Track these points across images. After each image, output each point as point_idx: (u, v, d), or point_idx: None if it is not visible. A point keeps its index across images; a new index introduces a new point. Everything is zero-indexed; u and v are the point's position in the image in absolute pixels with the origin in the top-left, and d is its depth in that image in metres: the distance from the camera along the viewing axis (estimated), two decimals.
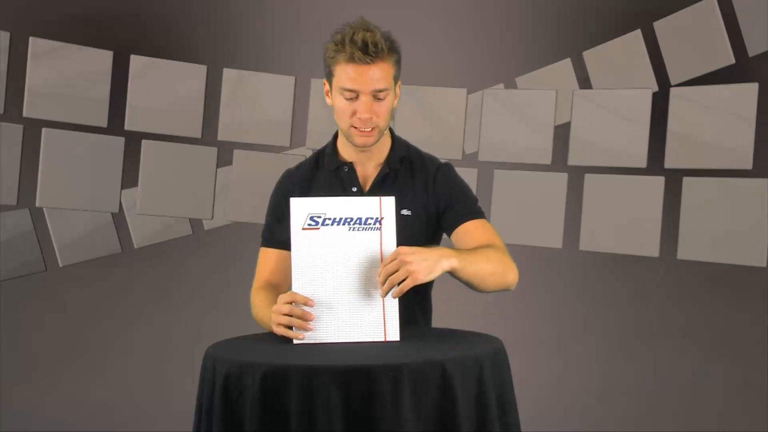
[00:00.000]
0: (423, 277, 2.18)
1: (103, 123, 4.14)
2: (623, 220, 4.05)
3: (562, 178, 4.09)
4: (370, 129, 2.46)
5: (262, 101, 4.17)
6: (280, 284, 2.51)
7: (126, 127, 4.16)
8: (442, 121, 4.12)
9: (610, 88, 4.07)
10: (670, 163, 4.01)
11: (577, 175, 4.08)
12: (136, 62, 4.14)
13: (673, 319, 4.06)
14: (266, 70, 4.15)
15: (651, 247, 4.01)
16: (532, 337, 4.02)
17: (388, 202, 2.26)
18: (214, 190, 4.16)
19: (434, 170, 2.58)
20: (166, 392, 4.04)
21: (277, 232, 2.56)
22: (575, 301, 4.13)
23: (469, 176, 4.01)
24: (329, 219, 2.25)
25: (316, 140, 4.11)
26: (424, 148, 2.65)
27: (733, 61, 3.96)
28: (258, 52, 4.18)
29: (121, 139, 4.15)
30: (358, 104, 2.43)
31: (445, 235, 2.60)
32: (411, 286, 2.18)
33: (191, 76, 4.16)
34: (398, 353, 2.11)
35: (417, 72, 4.00)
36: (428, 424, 1.98)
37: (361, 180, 2.56)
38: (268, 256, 2.58)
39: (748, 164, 3.93)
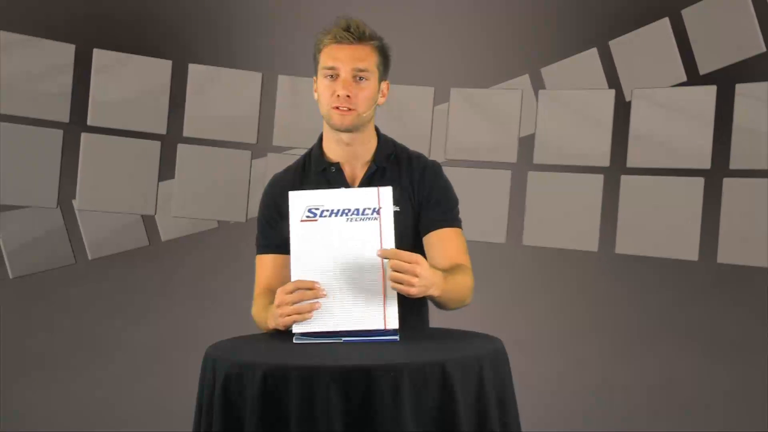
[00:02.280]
0: (415, 294, 2.23)
1: (65, 118, 4.11)
2: (659, 222, 4.06)
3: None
4: (347, 108, 2.47)
5: (228, 97, 4.17)
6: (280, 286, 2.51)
7: (89, 122, 4.12)
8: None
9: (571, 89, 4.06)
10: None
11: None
12: (101, 57, 4.12)
13: (673, 319, 4.06)
14: (233, 66, 4.15)
15: (690, 250, 3.99)
16: (532, 337, 4.02)
17: (386, 192, 2.27)
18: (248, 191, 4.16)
19: (421, 168, 2.58)
20: (166, 392, 4.04)
21: (270, 238, 2.57)
22: (575, 301, 4.13)
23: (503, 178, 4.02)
24: (327, 211, 2.27)
25: (283, 137, 4.11)
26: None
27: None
28: (224, 48, 4.16)
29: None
30: (338, 84, 2.47)
31: None
32: (404, 293, 2.22)
33: (156, 71, 4.13)
34: (398, 353, 2.11)
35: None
36: (428, 424, 1.99)
37: (348, 179, 2.56)
38: (264, 263, 2.58)
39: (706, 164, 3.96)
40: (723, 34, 3.95)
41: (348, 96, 2.46)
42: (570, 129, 4.08)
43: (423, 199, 2.54)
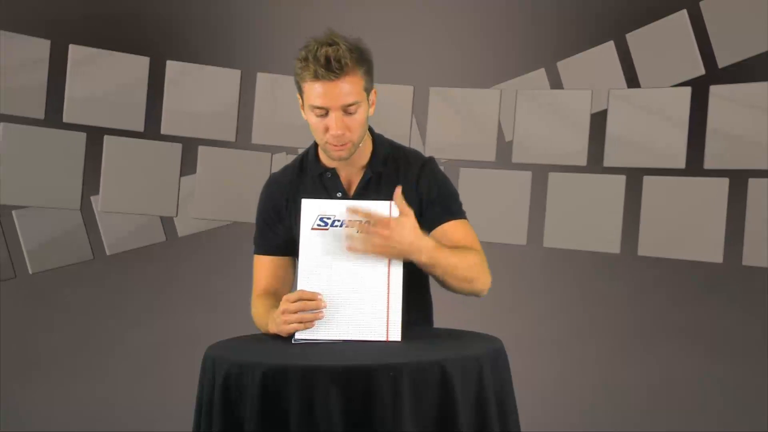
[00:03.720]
0: (388, 257, 2.25)
1: (41, 114, 4.08)
2: (681, 223, 4.05)
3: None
4: (343, 144, 2.43)
5: (207, 95, 4.15)
6: (279, 290, 2.52)
7: (64, 119, 4.09)
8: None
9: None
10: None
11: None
12: (76, 53, 4.07)
13: (673, 319, 4.06)
14: (211, 63, 4.13)
15: (715, 252, 3.95)
16: (532, 337, 4.02)
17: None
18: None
19: (418, 167, 2.55)
20: (166, 392, 4.04)
21: (268, 239, 2.57)
22: (575, 301, 4.13)
23: (510, 178, 4.02)
24: (338, 221, 2.26)
25: (262, 135, 4.10)
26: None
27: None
28: (203, 45, 4.14)
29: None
30: (329, 120, 2.39)
31: None
32: (380, 255, 2.24)
33: (134, 67, 4.11)
34: (398, 353, 2.11)
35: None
36: (428, 424, 1.99)
37: (345, 185, 2.54)
38: (262, 264, 2.58)
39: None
40: (742, 26, 3.91)
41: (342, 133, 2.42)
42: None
43: (424, 197, 2.52)
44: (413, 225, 2.26)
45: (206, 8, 4.16)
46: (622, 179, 4.02)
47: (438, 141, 4.06)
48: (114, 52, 4.11)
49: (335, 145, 2.42)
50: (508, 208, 4.10)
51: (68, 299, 4.17)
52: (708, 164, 3.96)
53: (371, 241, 2.23)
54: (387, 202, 2.27)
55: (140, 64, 4.13)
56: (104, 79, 4.12)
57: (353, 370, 1.98)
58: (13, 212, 4.11)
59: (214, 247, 4.19)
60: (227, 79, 4.14)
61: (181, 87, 4.15)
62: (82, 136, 4.12)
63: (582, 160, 4.05)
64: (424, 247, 2.28)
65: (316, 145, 2.58)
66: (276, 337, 2.30)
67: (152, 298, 4.19)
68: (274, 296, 2.45)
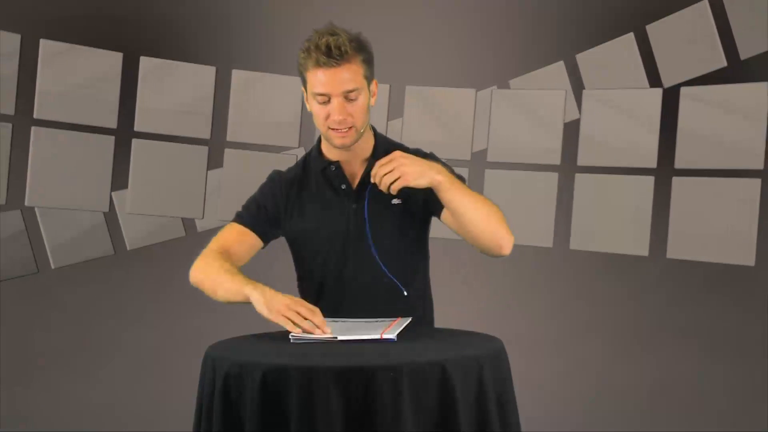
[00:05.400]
0: (413, 180, 2.33)
1: (11, 110, 4.05)
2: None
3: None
4: (346, 129, 2.48)
5: (181, 92, 4.13)
6: (236, 257, 2.56)
7: (35, 116, 4.06)
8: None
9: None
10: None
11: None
12: (48, 48, 4.04)
13: (673, 319, 4.06)
14: (187, 59, 4.12)
15: (747, 255, 3.94)
16: (532, 337, 4.02)
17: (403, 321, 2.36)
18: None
19: (421, 157, 2.58)
20: (166, 392, 4.04)
21: (253, 216, 2.61)
22: (575, 301, 4.13)
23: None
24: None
25: (237, 132, 4.09)
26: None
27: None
28: (177, 42, 4.12)
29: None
30: (331, 107, 2.46)
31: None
32: (402, 186, 2.32)
33: (107, 63, 4.08)
34: (398, 353, 2.11)
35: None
36: (428, 424, 1.99)
37: (348, 177, 2.58)
38: (234, 229, 2.62)
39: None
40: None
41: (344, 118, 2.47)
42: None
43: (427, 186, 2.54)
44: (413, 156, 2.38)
45: (181, 4, 4.14)
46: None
47: (414, 141, 4.07)
48: (86, 48, 4.07)
49: (337, 131, 2.48)
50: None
51: (68, 299, 4.17)
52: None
53: (400, 170, 2.31)
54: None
55: (113, 60, 4.10)
56: (76, 75, 4.09)
57: (353, 370, 1.98)
58: (36, 208, 4.12)
59: None
60: (202, 75, 4.12)
61: (155, 83, 4.13)
62: (110, 140, 4.11)
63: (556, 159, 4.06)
64: (436, 166, 2.36)
65: (319, 142, 2.62)
66: (276, 336, 2.30)
67: (152, 298, 4.19)
68: (230, 259, 2.51)
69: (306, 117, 4.04)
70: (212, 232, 2.46)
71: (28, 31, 4.06)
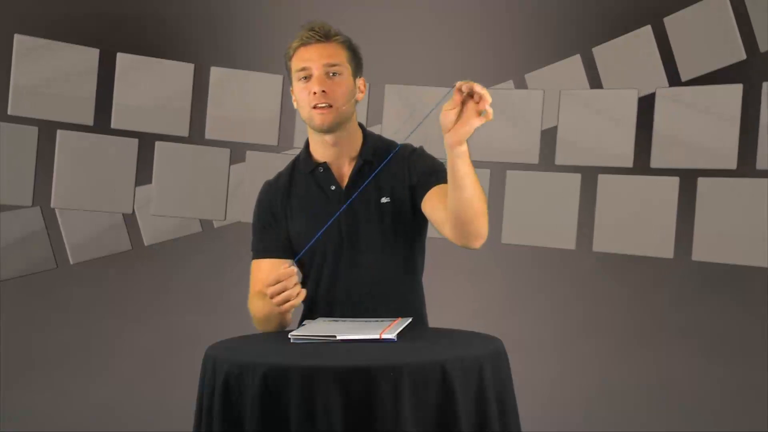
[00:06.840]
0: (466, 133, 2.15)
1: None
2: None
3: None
4: (326, 106, 2.48)
5: (159, 89, 4.10)
6: None
7: (9, 112, 4.02)
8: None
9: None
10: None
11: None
12: (22, 43, 4.00)
13: (673, 319, 4.06)
14: (165, 56, 4.10)
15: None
16: (532, 337, 4.02)
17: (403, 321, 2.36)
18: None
19: (409, 152, 2.58)
20: (166, 392, 4.04)
21: (266, 241, 2.59)
22: (575, 301, 4.13)
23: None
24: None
25: (215, 130, 4.08)
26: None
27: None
28: (155, 38, 4.10)
29: (135, 141, 4.11)
30: (312, 82, 2.49)
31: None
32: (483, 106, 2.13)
33: (83, 59, 4.05)
34: (398, 353, 2.11)
35: (415, 71, 4.00)
36: (428, 424, 1.99)
37: (337, 178, 2.58)
38: (261, 267, 2.60)
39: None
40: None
41: (324, 91, 2.47)
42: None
43: (413, 177, 2.54)
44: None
45: (160, 1, 4.13)
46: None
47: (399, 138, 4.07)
48: (62, 43, 4.04)
49: (318, 109, 2.47)
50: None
51: (67, 299, 4.17)
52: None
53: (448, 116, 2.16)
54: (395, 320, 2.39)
55: (90, 56, 4.07)
56: (53, 72, 4.05)
57: (353, 371, 1.98)
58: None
59: (215, 247, 4.19)
60: (180, 72, 4.10)
61: (132, 80, 4.10)
62: (134, 142, 4.11)
63: (534, 158, 4.05)
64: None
65: (307, 144, 2.62)
66: (276, 337, 2.31)
67: (153, 299, 4.19)
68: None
69: (285, 114, 4.04)
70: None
71: (1, 26, 4.02)
